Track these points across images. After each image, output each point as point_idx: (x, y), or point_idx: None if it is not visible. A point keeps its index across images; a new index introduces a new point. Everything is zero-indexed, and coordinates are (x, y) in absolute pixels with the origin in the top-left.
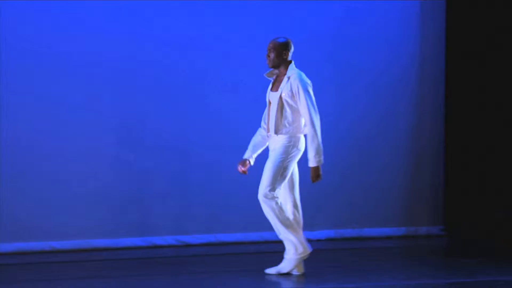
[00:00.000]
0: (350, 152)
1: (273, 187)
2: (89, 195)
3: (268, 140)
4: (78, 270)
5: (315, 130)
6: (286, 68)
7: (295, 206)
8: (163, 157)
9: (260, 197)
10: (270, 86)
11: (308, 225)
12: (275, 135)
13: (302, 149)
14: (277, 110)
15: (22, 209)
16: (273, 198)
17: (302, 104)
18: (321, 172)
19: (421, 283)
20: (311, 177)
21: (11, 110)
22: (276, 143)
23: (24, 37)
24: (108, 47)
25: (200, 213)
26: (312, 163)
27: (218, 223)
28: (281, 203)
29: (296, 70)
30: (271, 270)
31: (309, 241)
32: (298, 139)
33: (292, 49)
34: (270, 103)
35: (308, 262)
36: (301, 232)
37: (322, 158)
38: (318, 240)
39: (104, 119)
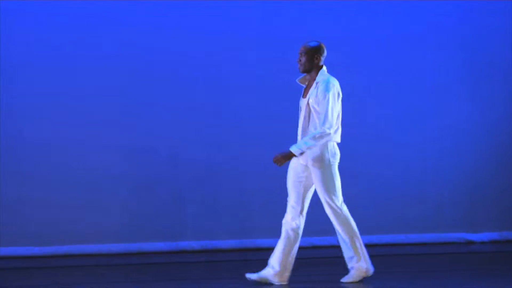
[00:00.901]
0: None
1: (338, 204)
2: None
3: None
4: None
5: (321, 132)
6: (317, 73)
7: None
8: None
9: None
10: (303, 92)
11: (471, 227)
12: None
13: (338, 153)
14: (304, 117)
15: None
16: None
17: (320, 107)
18: (284, 161)
19: None
20: (276, 155)
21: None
22: (307, 154)
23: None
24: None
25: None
26: (293, 148)
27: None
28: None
29: (327, 75)
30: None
31: (473, 243)
32: (332, 145)
33: (325, 53)
34: (301, 110)
35: (471, 264)
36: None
37: (302, 151)
38: (482, 243)
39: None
